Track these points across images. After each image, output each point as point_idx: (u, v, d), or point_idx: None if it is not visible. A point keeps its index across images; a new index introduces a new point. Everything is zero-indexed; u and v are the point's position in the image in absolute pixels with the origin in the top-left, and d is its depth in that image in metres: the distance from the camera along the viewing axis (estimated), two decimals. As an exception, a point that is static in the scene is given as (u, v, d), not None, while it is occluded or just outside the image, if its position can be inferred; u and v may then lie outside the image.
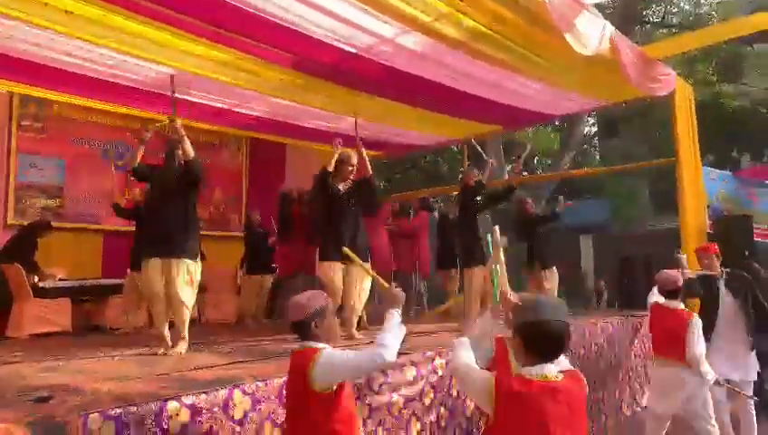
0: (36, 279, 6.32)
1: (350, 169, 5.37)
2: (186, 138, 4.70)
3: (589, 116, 17.70)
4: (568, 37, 4.53)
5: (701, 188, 7.13)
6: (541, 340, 2.04)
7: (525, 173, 19.03)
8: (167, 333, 4.49)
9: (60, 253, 7.04)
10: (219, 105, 7.04)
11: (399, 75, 5.91)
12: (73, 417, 2.30)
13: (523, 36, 5.13)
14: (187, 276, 4.46)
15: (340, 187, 5.33)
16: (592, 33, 4.83)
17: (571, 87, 6.62)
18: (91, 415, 2.33)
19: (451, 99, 6.72)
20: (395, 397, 3.65)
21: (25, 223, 6.86)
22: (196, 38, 5.10)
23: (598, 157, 21.15)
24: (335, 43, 5.18)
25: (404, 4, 4.49)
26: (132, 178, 5.16)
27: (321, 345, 2.37)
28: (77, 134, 7.78)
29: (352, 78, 6.09)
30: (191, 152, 4.66)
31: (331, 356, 2.30)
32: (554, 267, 7.23)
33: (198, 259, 4.62)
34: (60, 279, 6.63)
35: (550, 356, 2.05)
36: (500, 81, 6.21)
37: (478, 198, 6.28)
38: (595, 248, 15.17)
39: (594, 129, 21.50)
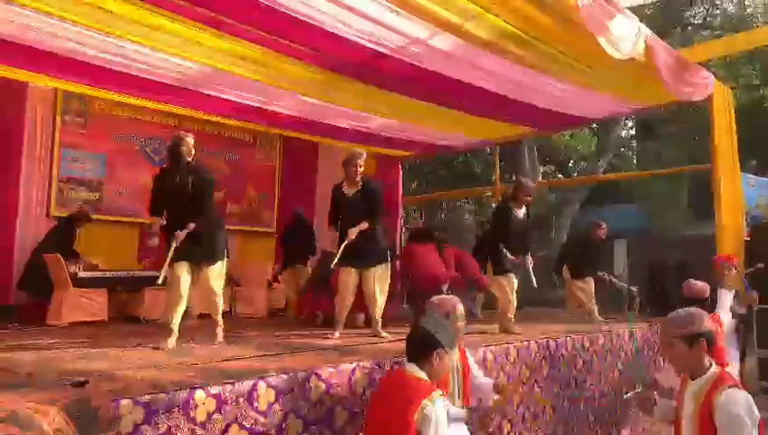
0: (79, 268, 6.54)
1: (353, 169, 5.06)
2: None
3: (626, 119, 17.38)
4: (601, 40, 4.49)
5: (739, 194, 6.96)
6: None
7: (560, 176, 18.82)
8: (176, 329, 4.47)
9: (98, 245, 7.28)
10: (253, 103, 7.18)
11: (431, 76, 5.94)
12: (106, 401, 2.40)
13: (555, 39, 5.11)
14: (217, 273, 4.68)
15: (347, 190, 5.16)
16: (626, 36, 4.77)
17: (605, 90, 6.54)
18: (122, 400, 2.43)
19: (483, 100, 6.71)
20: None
21: (66, 215, 7.11)
22: (232, 37, 5.22)
23: (635, 160, 20.74)
24: (367, 44, 5.24)
25: (435, 6, 4.52)
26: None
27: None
28: (117, 130, 8.02)
29: (384, 78, 6.14)
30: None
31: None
32: (589, 277, 7.17)
33: (225, 256, 4.78)
34: (98, 270, 6.85)
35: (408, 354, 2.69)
36: (533, 83, 6.18)
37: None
38: (629, 254, 14.89)
39: (632, 132, 21.10)
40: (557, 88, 6.36)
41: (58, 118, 7.52)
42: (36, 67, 6.19)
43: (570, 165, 19.09)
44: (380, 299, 5.13)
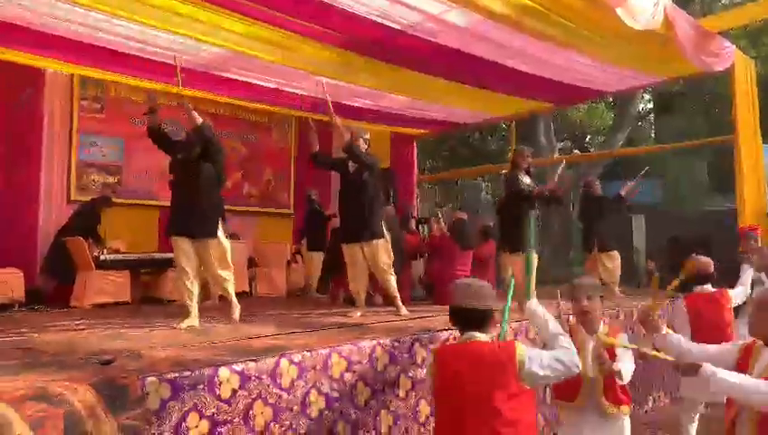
0: (104, 251, 6.64)
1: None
2: (192, 110, 4.56)
3: (644, 92, 17.09)
4: (619, 11, 4.41)
5: (761, 166, 6.85)
6: None
7: (576, 151, 18.62)
8: (193, 305, 4.48)
9: (118, 228, 7.37)
10: (268, 85, 7.17)
11: (446, 52, 5.88)
12: (133, 379, 2.46)
13: (571, 10, 5.01)
14: (218, 253, 4.59)
15: (351, 166, 5.23)
16: (645, 6, 4.68)
17: (623, 63, 6.44)
18: (148, 378, 2.48)
19: (499, 75, 6.64)
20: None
21: (87, 199, 7.20)
22: (247, 18, 5.20)
23: (653, 135, 20.45)
24: (381, 21, 5.19)
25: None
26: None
27: None
28: (134, 114, 8.04)
29: (398, 56, 6.09)
30: (198, 120, 4.56)
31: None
32: (614, 251, 7.13)
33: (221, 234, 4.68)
34: (119, 253, 6.95)
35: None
36: (549, 56, 6.10)
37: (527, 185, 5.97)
38: (648, 228, 14.74)
39: (650, 105, 20.76)
40: (573, 61, 6.27)
41: (75, 103, 7.58)
42: (52, 53, 6.22)
43: (587, 140, 18.88)
44: (389, 273, 5.13)
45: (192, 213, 4.50)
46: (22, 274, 6.26)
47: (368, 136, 5.36)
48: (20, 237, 6.90)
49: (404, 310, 5.11)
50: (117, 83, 7.58)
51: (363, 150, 5.18)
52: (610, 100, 15.71)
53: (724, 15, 8.59)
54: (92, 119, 7.74)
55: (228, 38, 5.63)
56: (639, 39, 5.23)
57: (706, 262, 4.25)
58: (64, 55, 6.30)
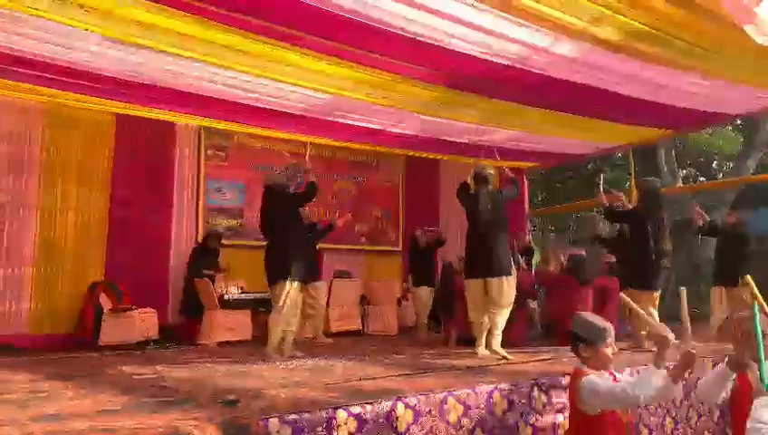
0: (222, 289, 7.04)
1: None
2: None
3: (778, 111, 15.68)
4: (748, 29, 4.08)
5: None
6: None
7: (702, 179, 17.32)
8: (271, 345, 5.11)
9: (241, 268, 7.76)
10: (375, 126, 7.36)
11: (555, 83, 5.74)
12: (255, 419, 2.54)
13: (690, 31, 4.73)
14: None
15: (480, 201, 5.23)
16: (779, 19, 4.31)
17: (751, 81, 5.95)
18: (270, 419, 2.55)
19: (612, 103, 6.38)
20: (560, 418, 3.54)
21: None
22: (353, 64, 5.39)
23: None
24: (486, 57, 5.18)
25: (558, 12, 4.38)
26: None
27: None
28: (254, 160, 8.55)
29: (506, 90, 6.03)
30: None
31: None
32: (712, 287, 6.92)
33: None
34: (242, 292, 7.32)
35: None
36: (666, 80, 5.78)
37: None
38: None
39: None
40: (693, 84, 5.89)
41: (202, 152, 8.17)
42: (181, 107, 6.82)
43: (713, 166, 17.56)
44: (503, 313, 4.97)
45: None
46: (156, 313, 6.74)
47: (492, 171, 5.58)
48: (154, 278, 7.46)
49: (503, 352, 4.85)
50: (238, 132, 8.12)
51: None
52: (738, 122, 14.57)
53: None
54: (217, 166, 8.30)
55: (337, 84, 5.87)
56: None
57: None
58: (191, 109, 6.89)
